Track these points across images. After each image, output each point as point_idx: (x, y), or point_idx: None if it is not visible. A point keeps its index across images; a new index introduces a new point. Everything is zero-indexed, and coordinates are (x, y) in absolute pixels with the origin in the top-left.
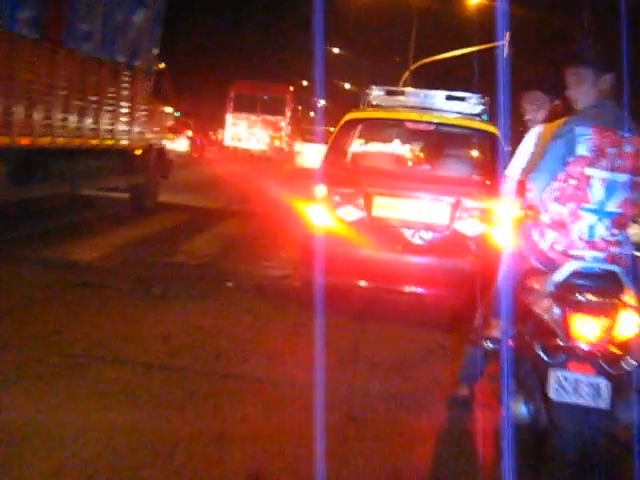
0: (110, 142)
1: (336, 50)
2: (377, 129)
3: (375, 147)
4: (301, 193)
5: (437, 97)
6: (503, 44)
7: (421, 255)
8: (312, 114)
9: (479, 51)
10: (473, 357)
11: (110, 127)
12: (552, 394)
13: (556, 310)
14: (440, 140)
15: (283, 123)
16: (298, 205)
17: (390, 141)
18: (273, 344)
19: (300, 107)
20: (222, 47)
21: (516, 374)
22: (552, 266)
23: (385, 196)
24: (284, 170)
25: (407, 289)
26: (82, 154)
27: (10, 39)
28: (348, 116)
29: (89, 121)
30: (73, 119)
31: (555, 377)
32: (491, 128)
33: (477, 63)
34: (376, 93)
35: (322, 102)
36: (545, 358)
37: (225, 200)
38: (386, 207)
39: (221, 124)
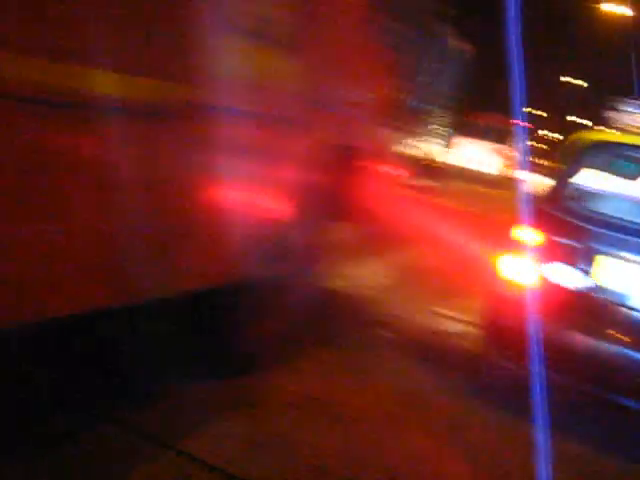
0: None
1: (576, 81)
2: (621, 161)
3: (616, 186)
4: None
5: None
6: None
7: None
8: (544, 146)
9: None
10: None
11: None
12: None
13: None
14: None
15: (509, 152)
16: (492, 250)
17: (635, 180)
18: (403, 451)
19: (527, 138)
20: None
21: None
22: None
23: (617, 258)
24: (499, 195)
25: (631, 403)
26: None
27: None
28: (589, 137)
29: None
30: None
31: None
32: None
33: None
34: (631, 110)
35: (556, 135)
36: None
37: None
38: (616, 275)
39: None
